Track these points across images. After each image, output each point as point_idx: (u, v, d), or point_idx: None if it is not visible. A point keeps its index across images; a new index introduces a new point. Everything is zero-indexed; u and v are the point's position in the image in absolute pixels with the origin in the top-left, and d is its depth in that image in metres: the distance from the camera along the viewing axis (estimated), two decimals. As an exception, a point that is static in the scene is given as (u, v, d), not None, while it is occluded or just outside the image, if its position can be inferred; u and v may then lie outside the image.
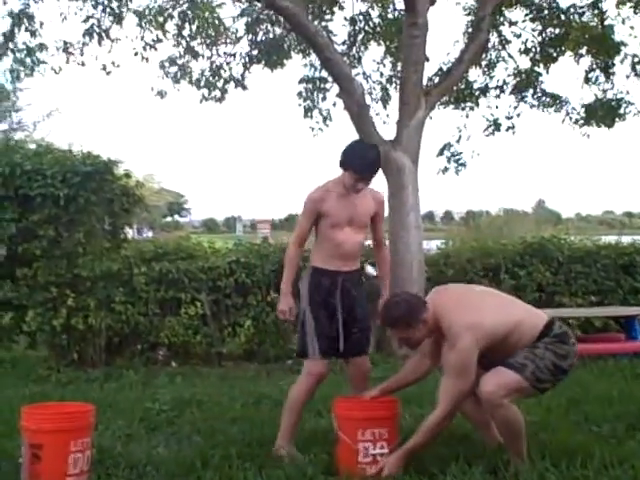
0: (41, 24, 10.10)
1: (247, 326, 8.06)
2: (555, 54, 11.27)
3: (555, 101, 11.50)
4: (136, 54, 10.44)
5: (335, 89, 10.42)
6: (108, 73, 10.44)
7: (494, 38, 11.47)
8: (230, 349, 8.23)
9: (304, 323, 4.51)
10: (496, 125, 11.59)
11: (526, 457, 3.94)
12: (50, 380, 7.07)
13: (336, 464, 4.10)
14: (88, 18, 10.13)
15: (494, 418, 3.97)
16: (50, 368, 7.43)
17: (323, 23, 11.10)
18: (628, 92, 11.07)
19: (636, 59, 10.82)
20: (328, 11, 11.25)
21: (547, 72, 11.42)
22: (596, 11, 10.75)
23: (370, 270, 7.11)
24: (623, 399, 5.59)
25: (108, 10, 10.08)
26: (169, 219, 63.18)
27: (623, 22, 10.62)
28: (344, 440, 4.06)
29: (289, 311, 4.53)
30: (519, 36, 11.48)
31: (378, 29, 11.54)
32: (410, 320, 3.96)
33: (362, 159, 4.44)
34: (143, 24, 10.26)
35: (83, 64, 10.47)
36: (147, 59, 10.52)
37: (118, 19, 10.15)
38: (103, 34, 10.20)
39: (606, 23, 10.70)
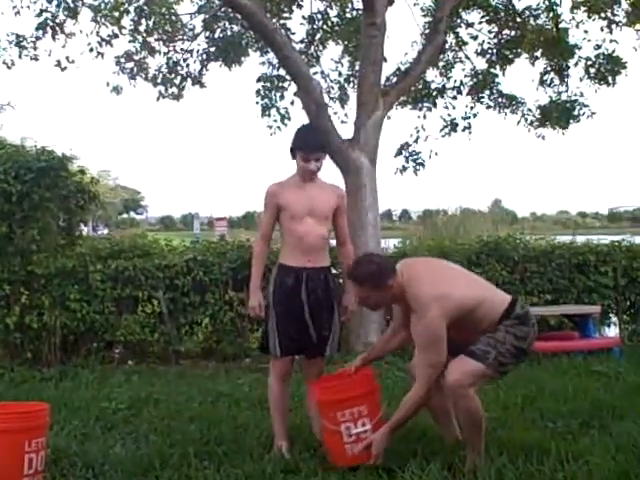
0: (-7, 17, 9.95)
1: (205, 324, 8.01)
2: (511, 56, 11.45)
3: (511, 102, 11.66)
4: (91, 50, 10.32)
5: (293, 87, 10.43)
6: (63, 69, 10.29)
7: (451, 39, 11.60)
8: (188, 347, 8.16)
9: (267, 319, 4.52)
10: (453, 125, 11.70)
11: (483, 453, 3.98)
12: (4, 379, 6.94)
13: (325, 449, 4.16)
14: (42, 12, 9.98)
15: (457, 408, 4.00)
16: (4, 367, 7.30)
17: (281, 21, 11.10)
18: (582, 94, 11.27)
19: (589, 62, 11.01)
20: (286, 9, 11.26)
21: (503, 74, 11.61)
22: (551, 14, 10.91)
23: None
24: (577, 396, 5.68)
25: (63, 4, 9.94)
26: (125, 216, 62.67)
27: (577, 26, 10.82)
28: (326, 424, 4.07)
29: (259, 307, 4.50)
30: (476, 38, 11.63)
31: (336, 28, 11.59)
32: (377, 282, 4.00)
33: (306, 137, 4.58)
34: (98, 19, 10.13)
35: (36, 58, 10.31)
36: (102, 55, 10.40)
37: (73, 13, 10.02)
38: (57, 28, 10.07)
39: (561, 26, 10.87)
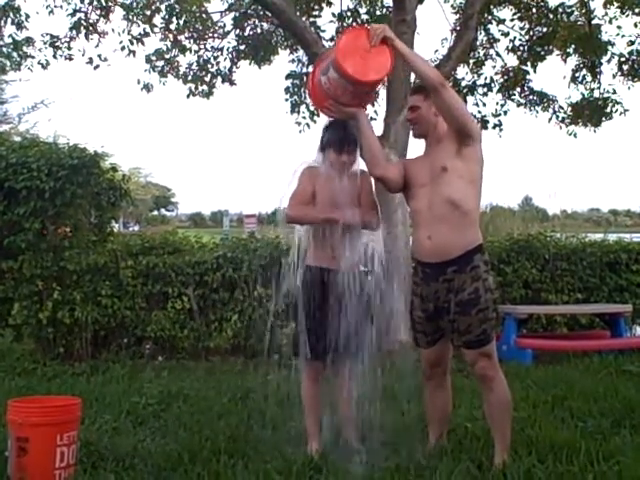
0: (27, 16, 10.05)
1: (234, 321, 8.04)
2: (543, 53, 11.36)
3: (542, 100, 11.58)
4: (123, 48, 10.42)
5: (323, 85, 10.41)
6: (96, 67, 10.41)
7: (482, 36, 11.56)
8: (217, 343, 8.19)
9: (298, 322, 4.44)
10: (483, 122, 11.64)
11: (510, 450, 3.96)
12: (36, 373, 7.02)
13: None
14: (75, 12, 10.10)
15: (489, 394, 3.99)
16: (36, 361, 7.39)
17: (311, 19, 11.11)
18: (615, 91, 11.18)
19: (622, 58, 10.90)
20: (316, 7, 11.27)
21: (534, 71, 11.51)
22: (584, 10, 10.82)
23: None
24: (608, 395, 5.63)
25: (95, 3, 10.06)
26: (156, 213, 63.09)
27: (610, 22, 10.74)
28: None
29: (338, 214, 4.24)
30: (507, 34, 11.58)
31: (366, 25, 11.55)
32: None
33: (340, 133, 4.37)
34: (130, 17, 10.24)
35: (70, 58, 10.44)
36: (134, 53, 10.51)
37: (105, 12, 10.13)
38: (90, 28, 10.18)
39: (593, 23, 10.78)
